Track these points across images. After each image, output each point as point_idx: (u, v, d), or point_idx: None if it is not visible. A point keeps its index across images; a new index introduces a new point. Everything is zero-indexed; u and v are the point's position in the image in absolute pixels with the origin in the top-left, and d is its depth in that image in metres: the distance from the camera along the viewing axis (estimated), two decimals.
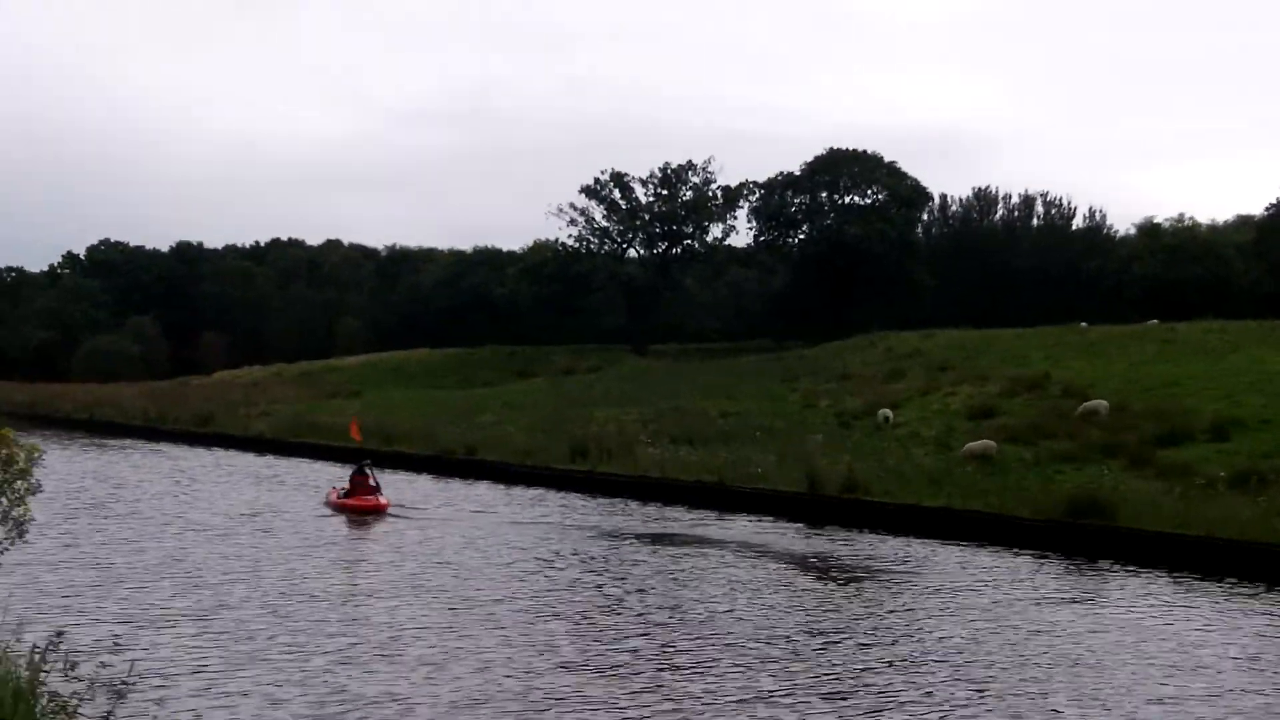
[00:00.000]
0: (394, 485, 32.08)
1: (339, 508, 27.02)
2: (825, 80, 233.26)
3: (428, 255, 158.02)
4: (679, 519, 24.85)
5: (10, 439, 9.43)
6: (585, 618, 14.83)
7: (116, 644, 12.23)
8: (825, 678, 12.43)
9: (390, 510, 26.03)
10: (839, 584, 17.67)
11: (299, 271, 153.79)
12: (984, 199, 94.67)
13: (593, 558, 19.55)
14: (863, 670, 12.76)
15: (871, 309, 79.83)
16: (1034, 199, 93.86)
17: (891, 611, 15.74)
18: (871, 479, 25.07)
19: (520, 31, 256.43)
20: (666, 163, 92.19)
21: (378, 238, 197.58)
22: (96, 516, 23.32)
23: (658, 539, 21.95)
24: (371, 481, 27.74)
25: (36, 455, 9.59)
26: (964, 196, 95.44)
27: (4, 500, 9.31)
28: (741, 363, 67.19)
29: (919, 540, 21.45)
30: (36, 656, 8.58)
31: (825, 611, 15.41)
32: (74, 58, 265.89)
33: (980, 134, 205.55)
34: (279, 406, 59.01)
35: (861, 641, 14.03)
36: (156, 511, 25.32)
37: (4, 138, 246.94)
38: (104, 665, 10.80)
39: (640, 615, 14.99)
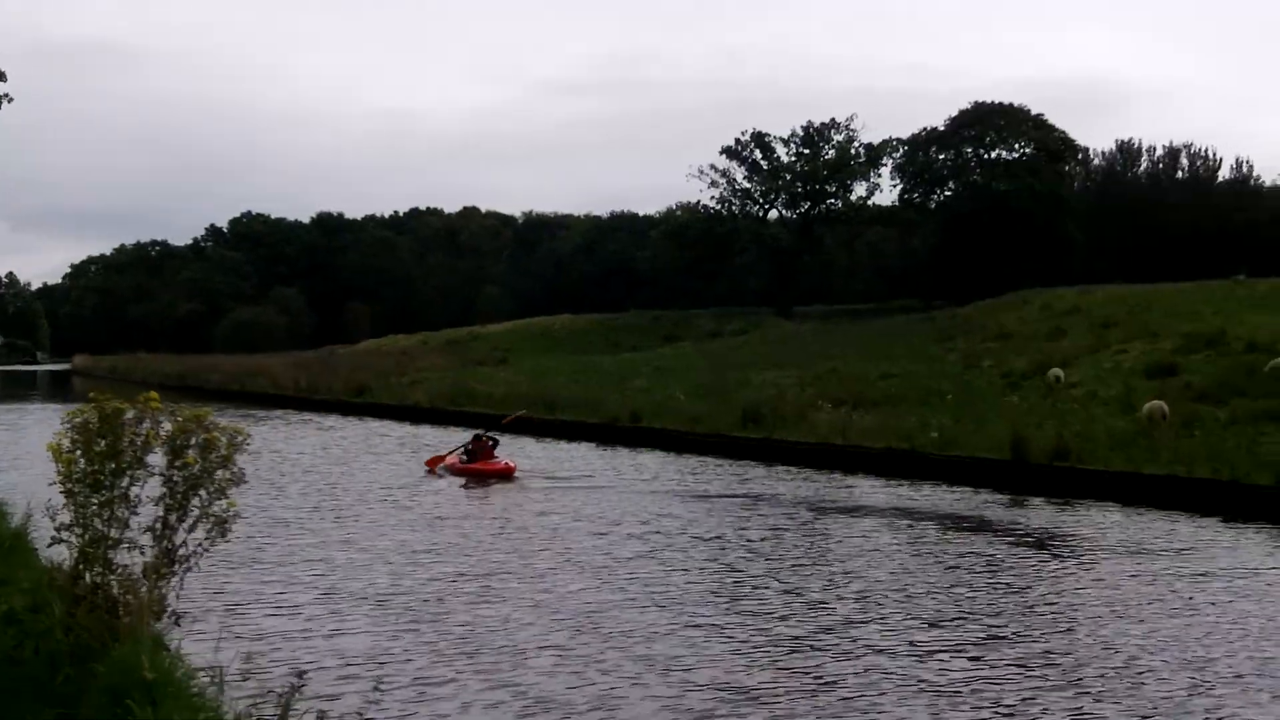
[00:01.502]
0: (564, 454, 31.68)
1: (463, 472, 26.92)
2: (969, 37, 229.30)
3: (564, 222, 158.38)
4: (870, 489, 23.48)
5: (209, 421, 8.44)
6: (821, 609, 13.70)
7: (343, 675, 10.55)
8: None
9: (563, 483, 25.57)
10: (1124, 573, 15.41)
11: (438, 241, 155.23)
12: (1127, 152, 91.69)
13: (806, 534, 18.49)
14: None
15: (1020, 266, 77.81)
16: (1179, 151, 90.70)
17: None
18: (1074, 443, 23.65)
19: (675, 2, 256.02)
20: (809, 121, 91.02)
21: (514, 204, 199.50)
22: (276, 497, 22.70)
23: (854, 511, 20.72)
24: (491, 448, 27.73)
25: (241, 440, 8.50)
26: (1107, 150, 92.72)
27: (203, 494, 8.29)
28: (891, 323, 65.97)
29: (1143, 511, 19.74)
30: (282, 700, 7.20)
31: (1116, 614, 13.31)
32: (224, 36, 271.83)
33: (1120, 85, 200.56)
34: (429, 375, 59.10)
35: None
36: (334, 486, 24.90)
37: (147, 115, 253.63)
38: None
39: (905, 610, 13.31)
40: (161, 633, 8.23)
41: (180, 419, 8.35)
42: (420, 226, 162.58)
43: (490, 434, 28.79)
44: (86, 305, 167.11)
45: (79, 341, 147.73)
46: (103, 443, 8.11)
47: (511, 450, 32.03)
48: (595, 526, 18.91)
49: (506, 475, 26.21)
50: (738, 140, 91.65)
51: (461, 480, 26.01)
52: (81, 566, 8.18)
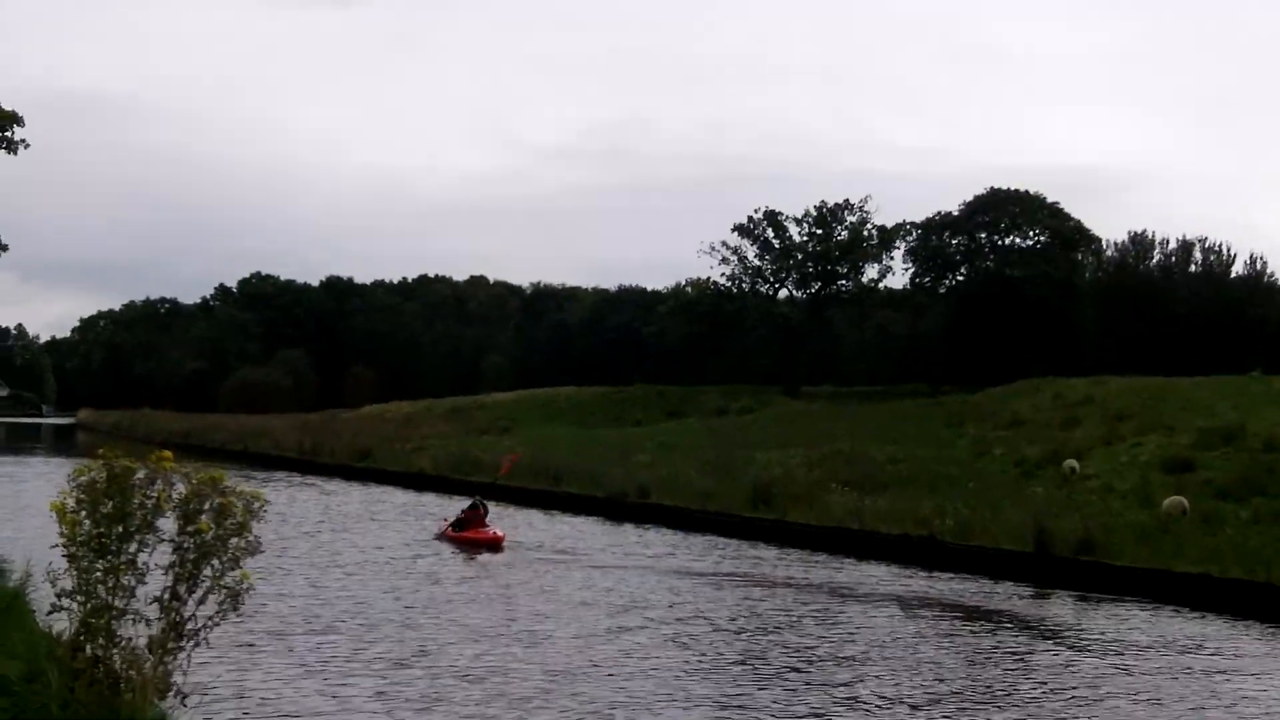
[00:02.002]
0: (570, 528, 31.07)
1: (454, 540, 26.70)
2: (972, 119, 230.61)
3: (571, 294, 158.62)
4: (888, 576, 22.78)
5: (224, 484, 7.83)
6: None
7: None
8: None
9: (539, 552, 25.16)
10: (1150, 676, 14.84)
11: (445, 307, 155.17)
12: (1140, 243, 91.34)
13: (827, 623, 17.86)
14: None
15: (1030, 353, 77.34)
16: (1192, 244, 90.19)
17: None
18: (1099, 536, 22.99)
19: (661, 70, 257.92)
20: (822, 201, 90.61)
21: (521, 274, 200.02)
22: (279, 554, 22.10)
23: (872, 599, 20.05)
24: (486, 516, 27.51)
25: (258, 506, 7.93)
26: (1119, 240, 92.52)
27: (215, 563, 7.68)
28: (900, 406, 65.40)
29: (1174, 609, 19.13)
30: None
31: None
32: (229, 97, 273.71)
33: (1130, 174, 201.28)
34: (433, 442, 58.60)
35: None
36: (337, 555, 24.29)
37: (159, 172, 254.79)
38: None
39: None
40: (166, 713, 7.69)
41: (194, 481, 7.75)
42: (428, 293, 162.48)
43: (485, 501, 28.61)
44: (94, 360, 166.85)
45: (85, 395, 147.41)
46: (110, 504, 7.51)
47: (516, 522, 31.64)
48: (607, 609, 18.27)
49: (495, 546, 25.93)
50: (750, 218, 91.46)
51: (459, 552, 25.51)
52: (83, 637, 7.57)
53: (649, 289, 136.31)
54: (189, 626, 7.76)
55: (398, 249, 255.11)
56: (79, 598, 7.55)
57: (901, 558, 24.91)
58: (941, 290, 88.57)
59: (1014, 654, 15.64)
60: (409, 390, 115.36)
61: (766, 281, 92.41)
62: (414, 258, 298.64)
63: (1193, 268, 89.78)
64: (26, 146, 26.92)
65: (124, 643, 7.58)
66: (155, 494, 7.64)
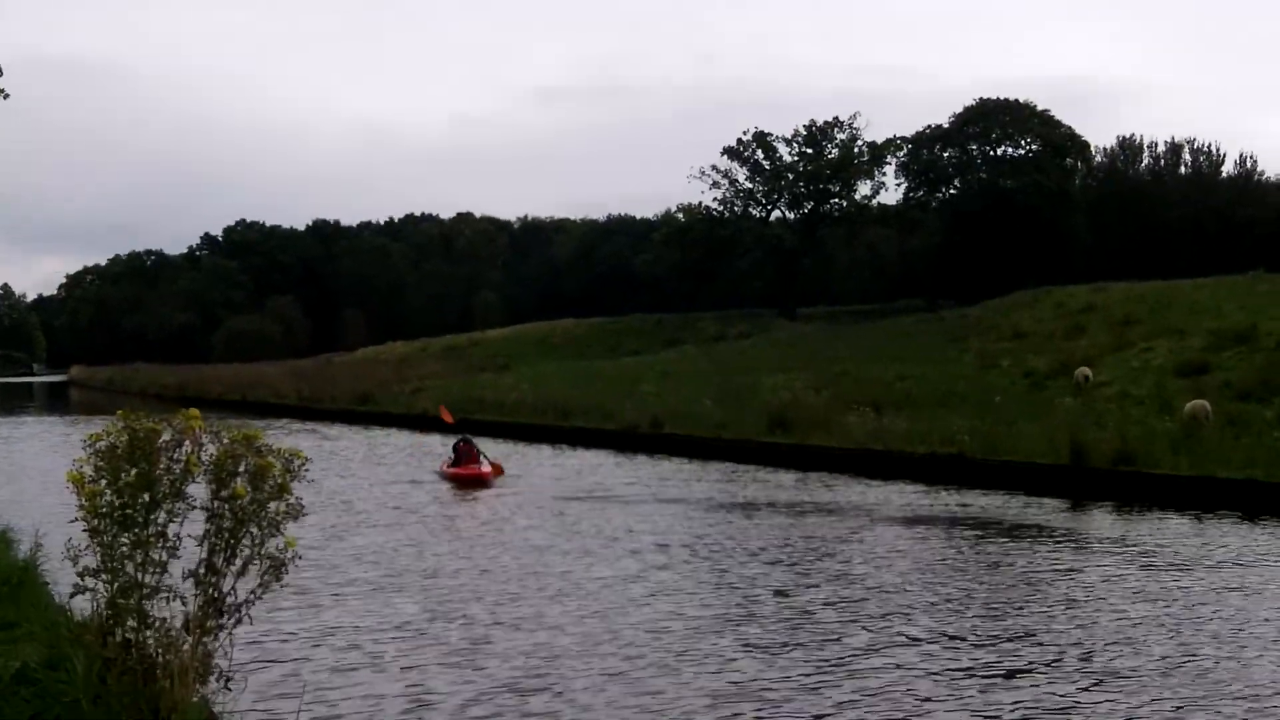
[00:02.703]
0: (581, 463, 30.43)
1: (450, 477, 26.60)
2: (960, 37, 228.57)
3: (560, 226, 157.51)
4: (918, 496, 22.13)
5: (260, 442, 7.03)
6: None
7: None
8: None
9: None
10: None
11: (433, 247, 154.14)
12: (1129, 148, 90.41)
13: (869, 546, 17.21)
14: None
15: (1026, 263, 76.65)
16: (1181, 146, 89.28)
17: None
18: (1136, 446, 22.33)
19: (647, 3, 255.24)
20: (811, 120, 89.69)
21: (509, 211, 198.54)
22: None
23: (911, 522, 19.28)
24: (475, 452, 27.36)
25: (298, 465, 7.09)
26: (1108, 146, 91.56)
27: (254, 530, 6.91)
28: (897, 324, 65.07)
29: (1221, 517, 18.35)
30: None
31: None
32: (213, 45, 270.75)
33: (1119, 82, 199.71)
34: (432, 382, 58.04)
35: None
36: (349, 505, 23.45)
37: (142, 129, 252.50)
38: None
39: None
40: (209, 698, 7.04)
41: (226, 441, 6.97)
42: (415, 233, 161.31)
43: (470, 437, 28.42)
44: (82, 316, 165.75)
45: (74, 353, 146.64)
46: (133, 471, 6.71)
47: (527, 458, 31.03)
48: (634, 546, 17.64)
49: (483, 482, 25.79)
50: (739, 140, 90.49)
51: (489, 490, 24.94)
52: (111, 620, 6.77)
53: (639, 217, 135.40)
54: (229, 601, 6.97)
55: (384, 193, 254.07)
56: (104, 576, 6.77)
57: (929, 477, 24.23)
58: (934, 205, 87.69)
59: (1069, 570, 15.06)
60: (401, 331, 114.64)
61: (758, 204, 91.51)
62: (401, 201, 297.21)
63: (1182, 169, 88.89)
64: (6, 97, 26.02)
65: (158, 624, 6.80)
66: (183, 457, 6.86)
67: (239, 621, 7.05)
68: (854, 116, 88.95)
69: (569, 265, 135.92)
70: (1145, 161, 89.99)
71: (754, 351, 61.14)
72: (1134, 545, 16.74)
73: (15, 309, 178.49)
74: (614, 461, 30.44)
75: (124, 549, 6.75)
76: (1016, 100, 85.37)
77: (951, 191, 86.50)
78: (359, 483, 26.72)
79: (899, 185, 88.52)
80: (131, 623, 6.77)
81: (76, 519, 6.85)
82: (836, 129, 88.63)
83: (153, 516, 6.75)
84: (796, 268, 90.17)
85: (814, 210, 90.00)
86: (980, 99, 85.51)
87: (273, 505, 6.97)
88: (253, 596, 6.98)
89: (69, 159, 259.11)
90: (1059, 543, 17.08)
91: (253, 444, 6.96)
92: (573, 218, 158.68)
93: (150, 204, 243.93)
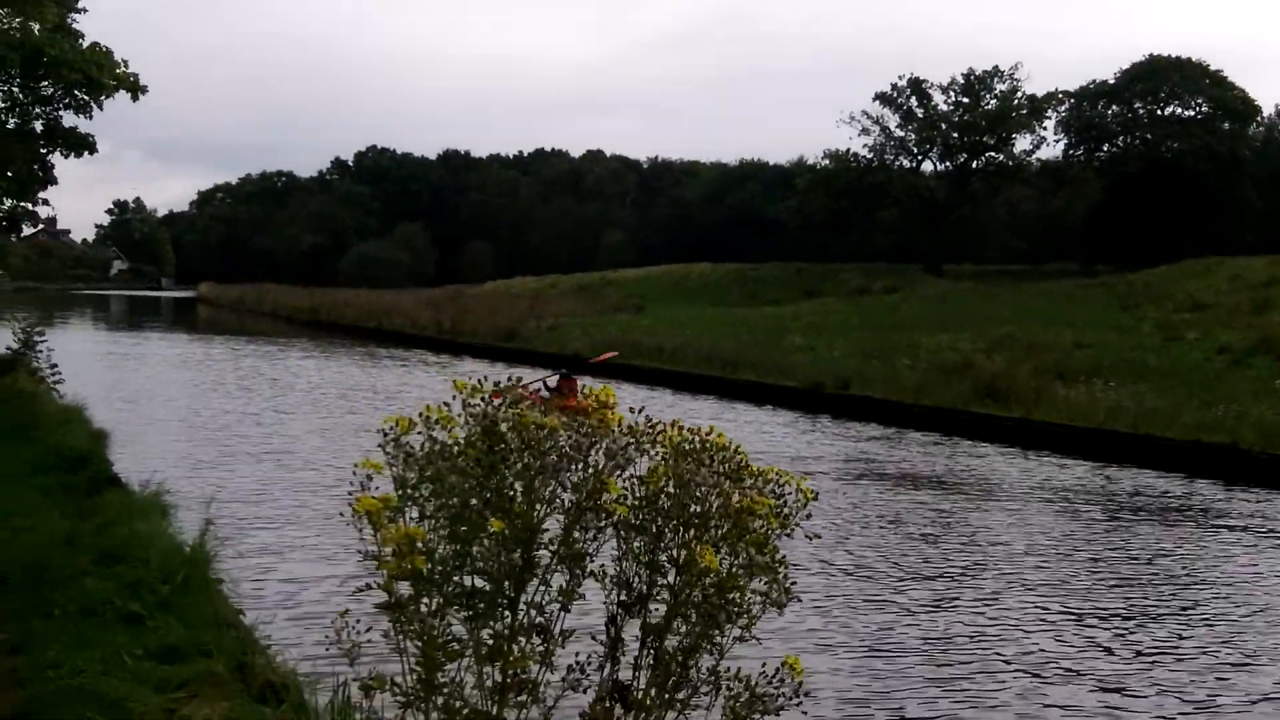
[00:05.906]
0: (760, 423, 28.10)
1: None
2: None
3: (689, 169, 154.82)
4: (1203, 494, 19.10)
5: (739, 457, 4.23)
6: None
7: None
8: None
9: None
10: None
11: (562, 182, 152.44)
12: None
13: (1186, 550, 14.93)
14: None
15: (1188, 231, 72.65)
16: None
17: None
18: None
19: None
20: (970, 68, 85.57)
21: (637, 150, 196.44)
22: None
23: (1207, 524, 16.69)
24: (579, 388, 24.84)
25: (800, 507, 4.19)
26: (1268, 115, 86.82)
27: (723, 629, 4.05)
28: (1055, 286, 61.90)
29: None
30: None
31: None
32: None
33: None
34: (569, 320, 56.06)
35: None
36: None
37: (279, 53, 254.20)
38: None
39: None
40: None
41: (667, 452, 4.11)
42: (544, 168, 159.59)
43: (563, 371, 25.81)
44: (211, 234, 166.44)
45: (202, 270, 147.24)
46: (487, 494, 3.83)
47: (687, 412, 28.78)
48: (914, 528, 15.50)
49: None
50: (893, 85, 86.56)
51: None
52: None
53: (771, 164, 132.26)
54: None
55: (514, 126, 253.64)
56: (417, 699, 3.84)
57: (1187, 467, 21.07)
58: (1095, 165, 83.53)
59: None
60: (527, 266, 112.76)
61: (909, 154, 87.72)
62: (530, 134, 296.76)
63: None
64: (145, 92, 25.76)
65: None
66: (586, 477, 3.98)
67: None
68: (1015, 67, 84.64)
69: (698, 208, 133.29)
70: None
71: (904, 307, 58.33)
72: None
73: (147, 223, 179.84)
74: (798, 427, 27.91)
75: (462, 645, 3.87)
76: (1189, 58, 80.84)
77: (1113, 151, 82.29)
78: None
79: (1058, 141, 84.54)
80: None
81: (371, 586, 3.91)
82: (996, 79, 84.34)
83: (525, 590, 3.90)
84: (945, 222, 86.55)
85: (966, 163, 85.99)
86: (1151, 55, 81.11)
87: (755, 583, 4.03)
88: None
89: (205, 78, 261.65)
90: None
91: (738, 462, 4.08)
92: (703, 160, 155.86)
93: (283, 126, 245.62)
